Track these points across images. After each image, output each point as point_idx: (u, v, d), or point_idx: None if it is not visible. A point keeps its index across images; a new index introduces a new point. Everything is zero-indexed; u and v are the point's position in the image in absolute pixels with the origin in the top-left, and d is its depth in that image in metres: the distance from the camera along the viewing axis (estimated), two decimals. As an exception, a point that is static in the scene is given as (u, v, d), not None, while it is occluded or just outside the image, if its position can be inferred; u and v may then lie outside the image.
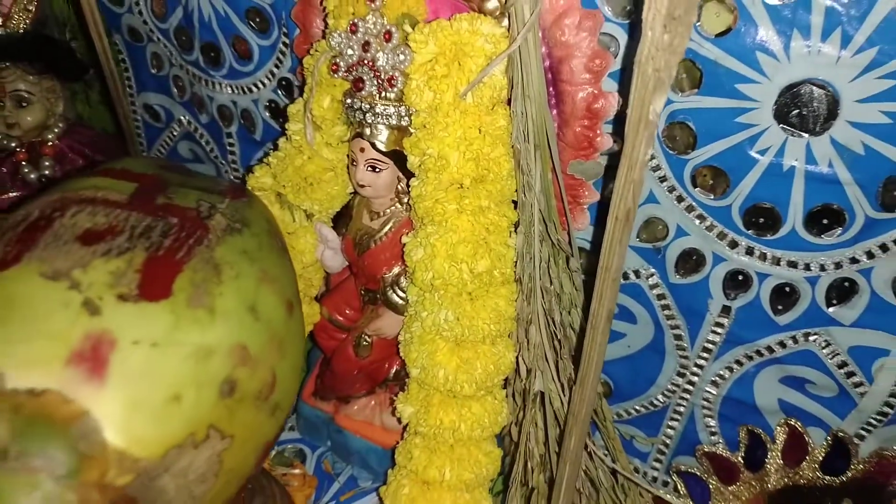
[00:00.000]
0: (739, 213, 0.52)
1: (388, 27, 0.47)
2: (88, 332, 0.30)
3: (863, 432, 0.56)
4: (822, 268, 0.52)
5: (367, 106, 0.49)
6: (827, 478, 0.57)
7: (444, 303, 0.48)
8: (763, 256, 0.53)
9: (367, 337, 0.58)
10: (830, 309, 0.53)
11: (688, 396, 0.63)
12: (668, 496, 0.61)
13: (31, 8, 0.75)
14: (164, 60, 0.80)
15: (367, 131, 0.50)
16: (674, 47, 0.32)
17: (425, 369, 0.50)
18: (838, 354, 0.54)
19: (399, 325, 0.57)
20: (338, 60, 0.50)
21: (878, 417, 0.55)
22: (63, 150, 0.78)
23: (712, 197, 0.52)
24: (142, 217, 0.37)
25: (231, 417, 0.34)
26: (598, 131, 0.51)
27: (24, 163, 0.77)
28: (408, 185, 0.53)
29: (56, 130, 0.79)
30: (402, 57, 0.47)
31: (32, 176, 0.77)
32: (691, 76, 0.49)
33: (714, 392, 0.61)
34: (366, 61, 0.48)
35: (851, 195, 0.48)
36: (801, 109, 0.46)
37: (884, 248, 0.49)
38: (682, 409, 0.64)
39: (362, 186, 0.52)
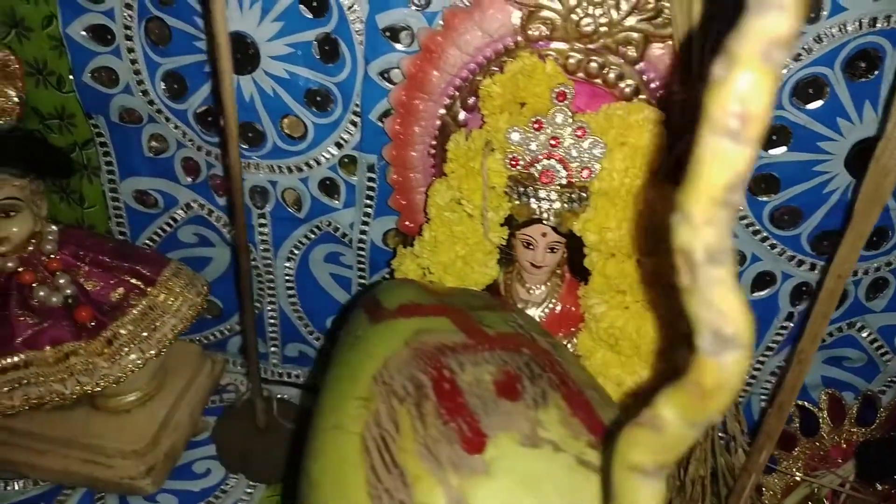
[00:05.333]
0: (808, 240, 0.65)
1: (580, 123, 0.51)
2: (598, 491, 0.31)
3: (885, 388, 0.73)
4: (866, 272, 0.67)
5: (555, 195, 0.52)
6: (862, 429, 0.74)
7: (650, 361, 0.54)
8: (824, 271, 0.66)
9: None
10: (868, 302, 0.69)
11: (748, 388, 0.76)
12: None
13: (16, 100, 0.62)
14: (171, 142, 0.71)
15: (548, 217, 0.53)
16: (916, 149, 0.42)
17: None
18: (872, 334, 0.70)
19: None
20: (516, 155, 0.52)
21: (897, 376, 0.73)
22: (69, 260, 0.66)
23: (784, 230, 0.65)
24: (508, 354, 0.36)
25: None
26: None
27: (34, 285, 0.63)
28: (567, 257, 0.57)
29: (51, 238, 0.66)
30: (598, 150, 0.51)
31: (55, 299, 0.63)
32: (783, 136, 0.60)
33: (772, 381, 0.75)
34: (555, 155, 0.51)
35: (894, 216, 0.63)
36: (867, 159, 0.60)
37: (910, 250, 0.65)
38: (741, 399, 0.77)
39: (539, 268, 0.55)
